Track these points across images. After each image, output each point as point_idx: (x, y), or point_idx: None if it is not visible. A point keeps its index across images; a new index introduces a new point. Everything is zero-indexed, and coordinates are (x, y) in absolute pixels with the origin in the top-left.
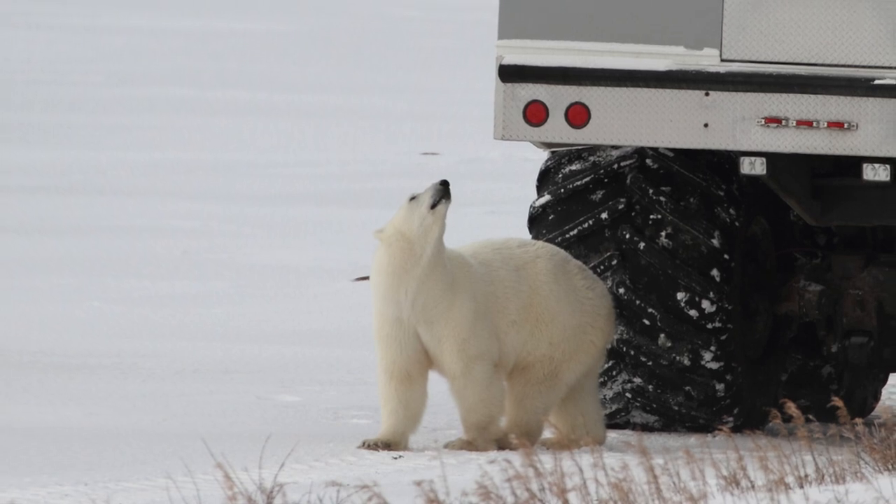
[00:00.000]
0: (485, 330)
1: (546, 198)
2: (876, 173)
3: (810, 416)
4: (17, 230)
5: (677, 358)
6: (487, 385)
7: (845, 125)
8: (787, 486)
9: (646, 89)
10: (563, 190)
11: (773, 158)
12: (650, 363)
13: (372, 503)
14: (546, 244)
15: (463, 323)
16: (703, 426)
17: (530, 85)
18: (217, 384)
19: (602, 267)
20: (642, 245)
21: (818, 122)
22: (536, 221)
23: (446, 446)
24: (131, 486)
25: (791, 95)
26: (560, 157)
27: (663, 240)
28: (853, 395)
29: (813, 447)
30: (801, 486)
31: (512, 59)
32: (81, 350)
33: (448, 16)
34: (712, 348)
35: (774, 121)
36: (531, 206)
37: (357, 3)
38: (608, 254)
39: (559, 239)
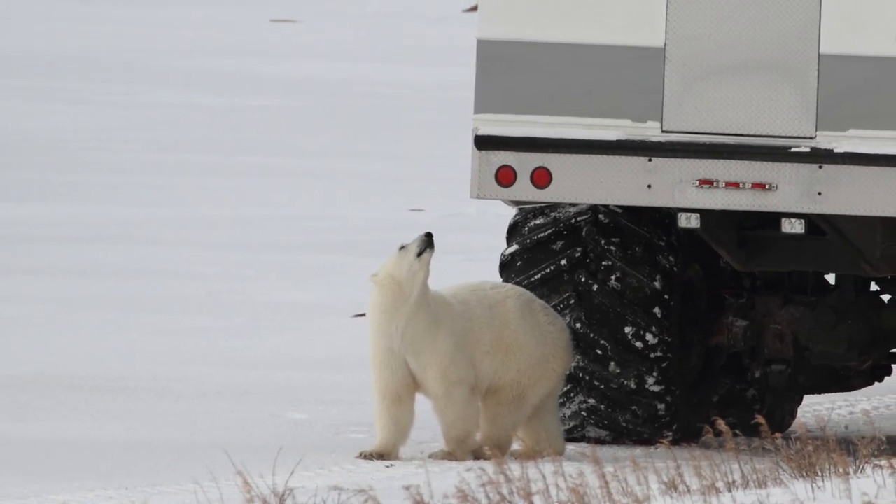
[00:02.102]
0: (463, 359)
1: (514, 247)
2: (792, 227)
3: (737, 432)
4: (67, 274)
5: (625, 382)
6: (465, 405)
7: (767, 186)
8: (718, 490)
9: (599, 156)
10: (528, 241)
11: (705, 214)
12: (602, 386)
13: None
14: (514, 286)
15: (444, 353)
16: (647, 440)
17: (501, 152)
18: (236, 404)
19: (562, 305)
20: (595, 287)
21: (744, 183)
22: (506, 267)
23: (431, 456)
24: (165, 489)
25: (721, 161)
26: (526, 212)
27: (613, 283)
28: (773, 414)
29: (739, 457)
30: (730, 490)
31: (485, 130)
32: (121, 375)
33: (432, 94)
34: (655, 374)
35: (707, 182)
36: (502, 255)
37: (355, 83)
38: (567, 294)
39: (525, 282)
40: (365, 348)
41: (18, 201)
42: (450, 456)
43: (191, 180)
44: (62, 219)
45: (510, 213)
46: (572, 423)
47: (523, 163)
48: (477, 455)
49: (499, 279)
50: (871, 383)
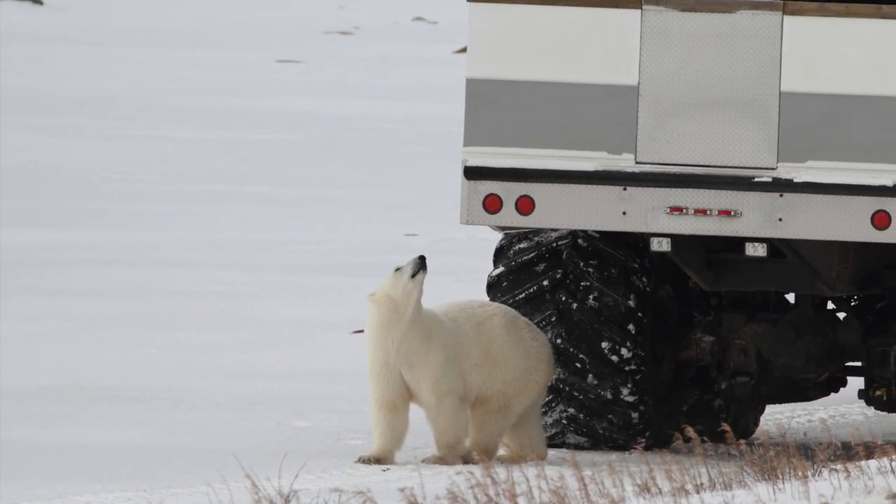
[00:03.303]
0: (453, 371)
1: (500, 269)
2: (755, 250)
3: (705, 438)
4: (90, 293)
5: (602, 393)
6: (455, 414)
7: (732, 213)
8: (687, 492)
9: (578, 185)
10: (513, 263)
11: (676, 238)
12: (581, 397)
13: None
14: (501, 305)
15: (436, 366)
16: (622, 446)
17: (488, 182)
18: (245, 413)
19: (544, 322)
20: (575, 306)
21: (711, 210)
22: (493, 287)
23: (424, 461)
24: (179, 491)
25: (690, 190)
26: (511, 237)
27: (591, 302)
28: (738, 422)
29: (707, 462)
30: (698, 492)
31: (474, 161)
32: (140, 386)
33: (425, 129)
34: (629, 385)
35: (677, 210)
36: (489, 276)
37: (354, 118)
38: (548, 312)
39: (510, 301)
40: (363, 362)
41: (46, 227)
42: (441, 460)
43: (203, 207)
44: (86, 243)
45: (496, 237)
46: (553, 431)
47: (509, 191)
48: (466, 459)
49: (486, 298)
50: (827, 394)
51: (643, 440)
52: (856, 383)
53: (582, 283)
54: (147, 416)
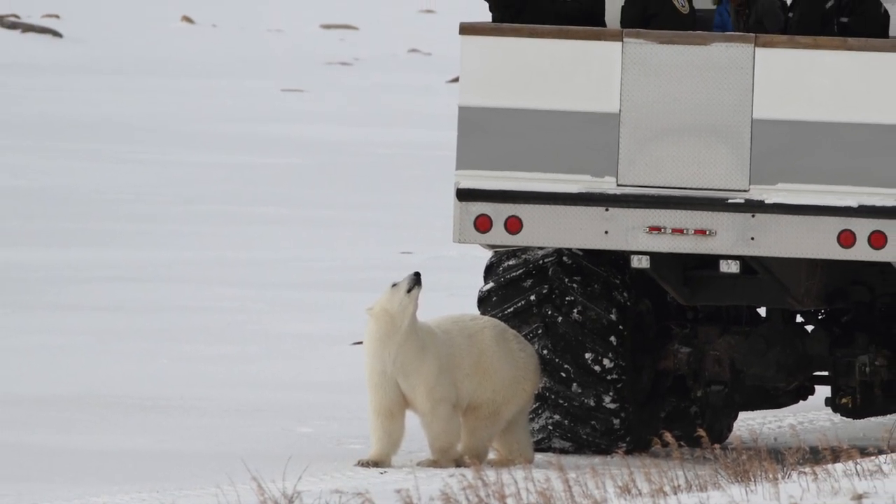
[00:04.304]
0: (446, 380)
1: (490, 284)
2: (729, 267)
3: (682, 443)
4: (106, 308)
5: (585, 401)
6: (448, 420)
7: (707, 232)
8: (665, 493)
9: (563, 206)
10: (502, 279)
11: (654, 256)
12: (566, 404)
13: None
14: (491, 318)
15: (430, 375)
16: (604, 450)
17: (479, 203)
18: (252, 419)
19: (531, 335)
20: (560, 319)
21: (687, 229)
22: (483, 302)
23: (419, 464)
24: (190, 493)
25: (668, 210)
26: (500, 255)
27: (575, 315)
28: (713, 428)
29: (683, 465)
30: (675, 494)
31: (466, 184)
32: (153, 395)
33: (420, 152)
34: (611, 394)
35: (656, 229)
36: (479, 291)
37: (354, 144)
38: (535, 325)
39: (500, 315)
40: (362, 372)
41: (65, 246)
42: (435, 464)
43: (212, 228)
44: (102, 262)
45: (487, 255)
46: (540, 436)
47: (498, 212)
48: (458, 463)
49: (477, 312)
50: (796, 401)
51: (624, 445)
52: (823, 392)
53: (567, 298)
54: (160, 422)
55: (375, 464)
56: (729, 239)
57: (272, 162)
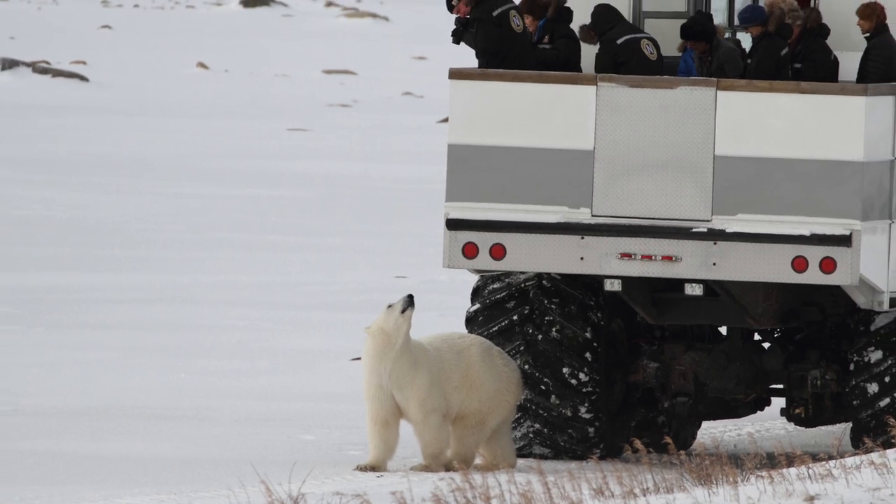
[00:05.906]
0: (437, 392)
1: (477, 306)
2: (693, 290)
3: (650, 450)
4: (129, 328)
5: (563, 411)
6: (439, 429)
7: (673, 258)
8: (635, 495)
9: (542, 234)
10: (488, 301)
11: (626, 280)
12: (545, 414)
13: None
14: (477, 336)
15: (422, 388)
16: (580, 456)
17: (466, 231)
18: (261, 428)
19: (513, 351)
20: (540, 337)
21: (655, 256)
22: (470, 322)
23: (412, 469)
24: (204, 494)
25: (637, 238)
26: (486, 278)
27: (554, 333)
28: (679, 436)
29: (652, 469)
30: (644, 495)
31: (454, 214)
32: (172, 405)
33: (413, 186)
34: (586, 405)
35: (627, 255)
36: (467, 312)
37: (353, 178)
38: (517, 342)
39: (485, 333)
40: (360, 385)
41: (93, 271)
42: (427, 468)
43: (224, 254)
44: (126, 285)
45: (474, 279)
46: (522, 443)
47: (484, 240)
48: (448, 467)
49: (465, 331)
50: (754, 412)
51: (598, 451)
52: (778, 403)
53: (546, 318)
54: (178, 431)
55: (373, 468)
56: (693, 264)
57: (279, 194)
